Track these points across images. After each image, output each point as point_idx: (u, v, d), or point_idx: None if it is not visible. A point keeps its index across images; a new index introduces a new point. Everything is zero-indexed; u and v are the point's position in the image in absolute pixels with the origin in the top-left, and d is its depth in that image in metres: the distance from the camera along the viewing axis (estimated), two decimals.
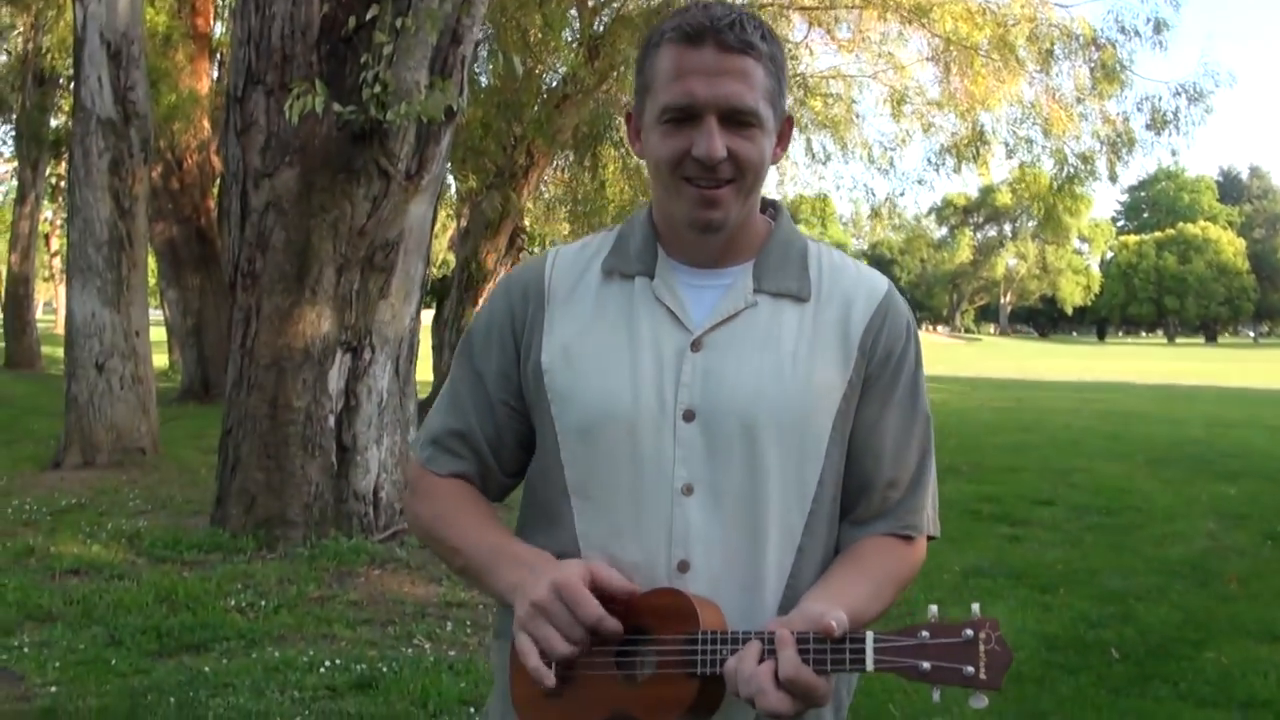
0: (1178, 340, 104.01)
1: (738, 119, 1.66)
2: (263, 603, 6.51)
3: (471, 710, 4.95)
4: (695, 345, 1.72)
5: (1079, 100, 14.68)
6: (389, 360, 8.21)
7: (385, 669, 5.43)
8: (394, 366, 8.27)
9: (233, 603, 6.48)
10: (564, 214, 18.81)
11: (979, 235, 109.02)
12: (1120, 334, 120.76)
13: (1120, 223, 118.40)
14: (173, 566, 7.31)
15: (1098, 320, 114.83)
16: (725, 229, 1.73)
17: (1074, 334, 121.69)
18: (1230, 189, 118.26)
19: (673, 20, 1.70)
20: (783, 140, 1.77)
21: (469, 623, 6.36)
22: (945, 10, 12.85)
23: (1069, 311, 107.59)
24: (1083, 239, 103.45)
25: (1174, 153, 23.58)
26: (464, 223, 18.03)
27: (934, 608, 1.53)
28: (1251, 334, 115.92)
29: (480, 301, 16.40)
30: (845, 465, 1.78)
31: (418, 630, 6.16)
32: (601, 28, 13.86)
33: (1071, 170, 15.16)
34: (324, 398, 7.90)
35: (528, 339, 1.80)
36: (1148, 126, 15.11)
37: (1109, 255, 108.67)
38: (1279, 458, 15.59)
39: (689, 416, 1.70)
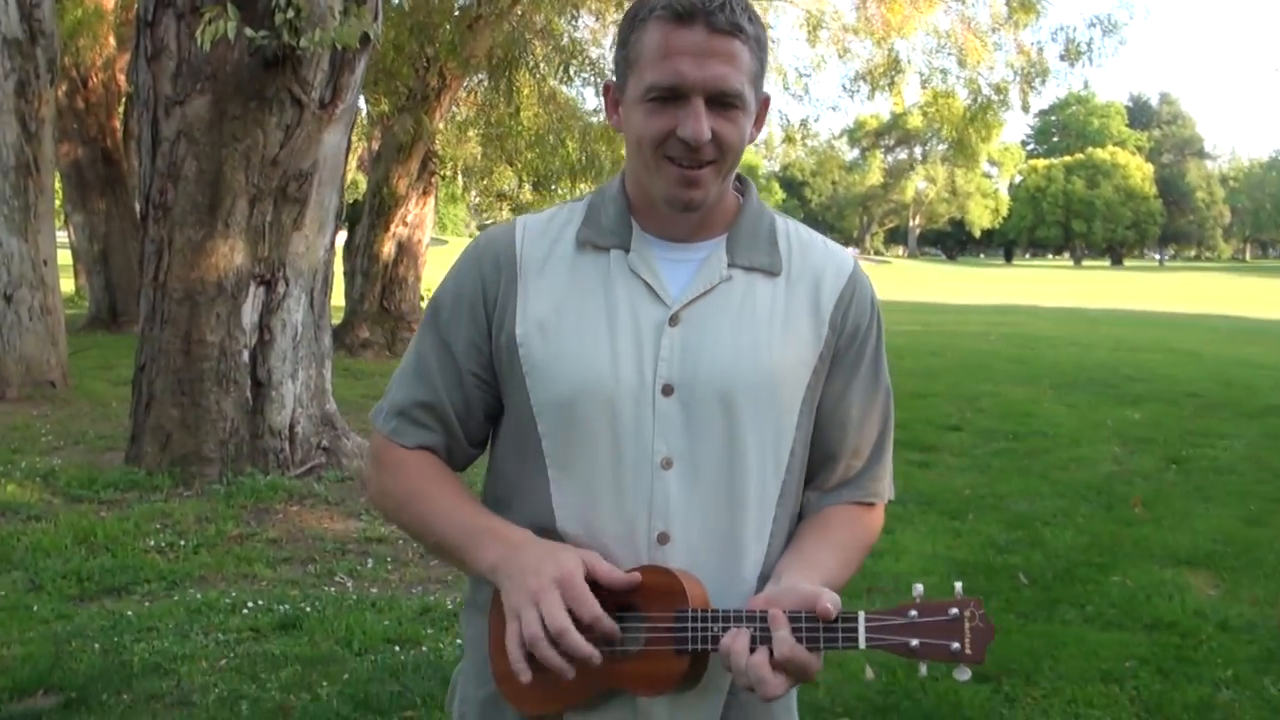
0: (1084, 263, 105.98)
1: (723, 101, 1.67)
2: (182, 543, 6.49)
3: (396, 649, 5.00)
4: (673, 320, 1.74)
5: (994, 30, 14.83)
6: (303, 293, 8.13)
7: (309, 608, 5.46)
8: (308, 299, 8.19)
9: (152, 543, 6.45)
10: (476, 137, 18.58)
11: (889, 158, 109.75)
12: (1027, 256, 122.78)
13: (1030, 146, 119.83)
14: (90, 506, 7.26)
15: (1005, 243, 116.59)
16: (704, 207, 1.75)
17: (982, 256, 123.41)
18: (1140, 115, 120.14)
19: None
20: (759, 120, 1.77)
21: (389, 559, 6.40)
22: None
23: (977, 234, 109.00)
24: (992, 163, 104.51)
25: (1086, 83, 23.91)
26: (375, 146, 17.78)
27: (919, 587, 1.61)
28: (1158, 257, 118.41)
29: (392, 228, 16.24)
30: (812, 436, 1.83)
31: (339, 568, 6.20)
32: None
33: (985, 100, 15.34)
34: (238, 332, 7.81)
35: (500, 310, 1.79)
36: (1061, 57, 15.35)
37: (1018, 179, 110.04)
38: (1183, 381, 16.02)
39: (668, 390, 1.72)
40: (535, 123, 16.12)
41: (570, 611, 1.58)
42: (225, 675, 4.69)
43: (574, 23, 14.85)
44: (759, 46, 1.70)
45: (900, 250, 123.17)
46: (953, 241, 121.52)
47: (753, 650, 1.56)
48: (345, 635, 5.13)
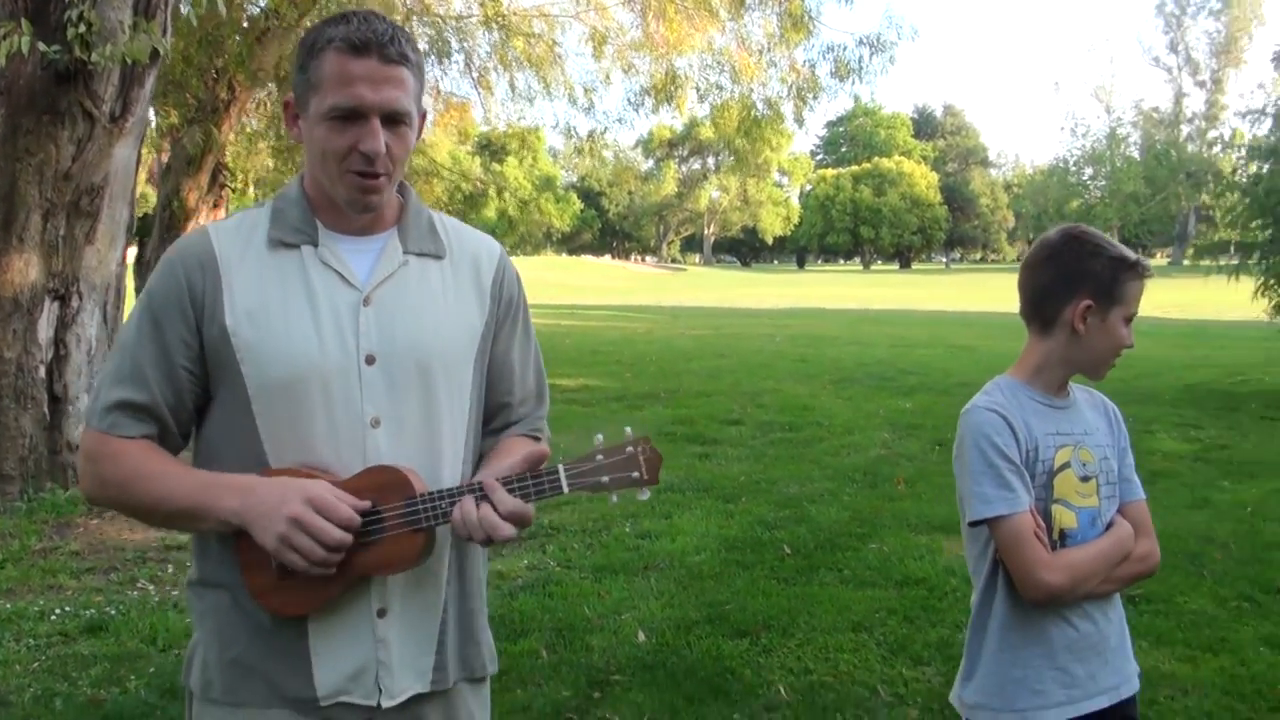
0: (873, 268, 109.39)
1: (395, 119, 1.98)
2: None
3: None
4: (366, 301, 2.03)
5: (768, 48, 15.53)
6: (96, 307, 8.15)
7: (113, 612, 5.69)
8: (102, 313, 8.21)
9: None
10: (267, 149, 18.40)
11: (684, 168, 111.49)
12: (819, 262, 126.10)
13: (819, 157, 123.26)
14: None
15: (797, 250, 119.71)
16: (379, 208, 2.08)
17: (775, 263, 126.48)
18: (925, 126, 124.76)
19: (337, 29, 1.95)
20: (419, 130, 2.09)
21: (188, 564, 6.56)
22: None
23: (770, 241, 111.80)
24: (783, 172, 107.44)
25: (856, 99, 24.96)
26: (164, 158, 17.47)
27: (600, 436, 2.04)
28: (944, 260, 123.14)
29: None
30: (485, 389, 2.22)
31: (140, 574, 6.40)
32: None
33: (759, 115, 16.04)
34: (34, 347, 7.81)
35: (210, 306, 1.99)
36: (832, 74, 16.17)
37: (808, 188, 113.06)
38: (953, 373, 17.11)
39: (370, 360, 2.01)
40: None
41: (327, 519, 1.88)
42: (38, 676, 4.91)
43: None
44: (419, 72, 2.03)
45: (696, 258, 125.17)
46: (746, 249, 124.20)
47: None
48: (150, 634, 5.39)
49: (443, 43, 14.85)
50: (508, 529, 1.96)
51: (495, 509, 1.95)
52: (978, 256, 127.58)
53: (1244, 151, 18.45)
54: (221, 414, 2.04)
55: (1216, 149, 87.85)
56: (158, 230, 15.71)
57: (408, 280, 2.10)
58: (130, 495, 2.01)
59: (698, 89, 16.72)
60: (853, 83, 16.31)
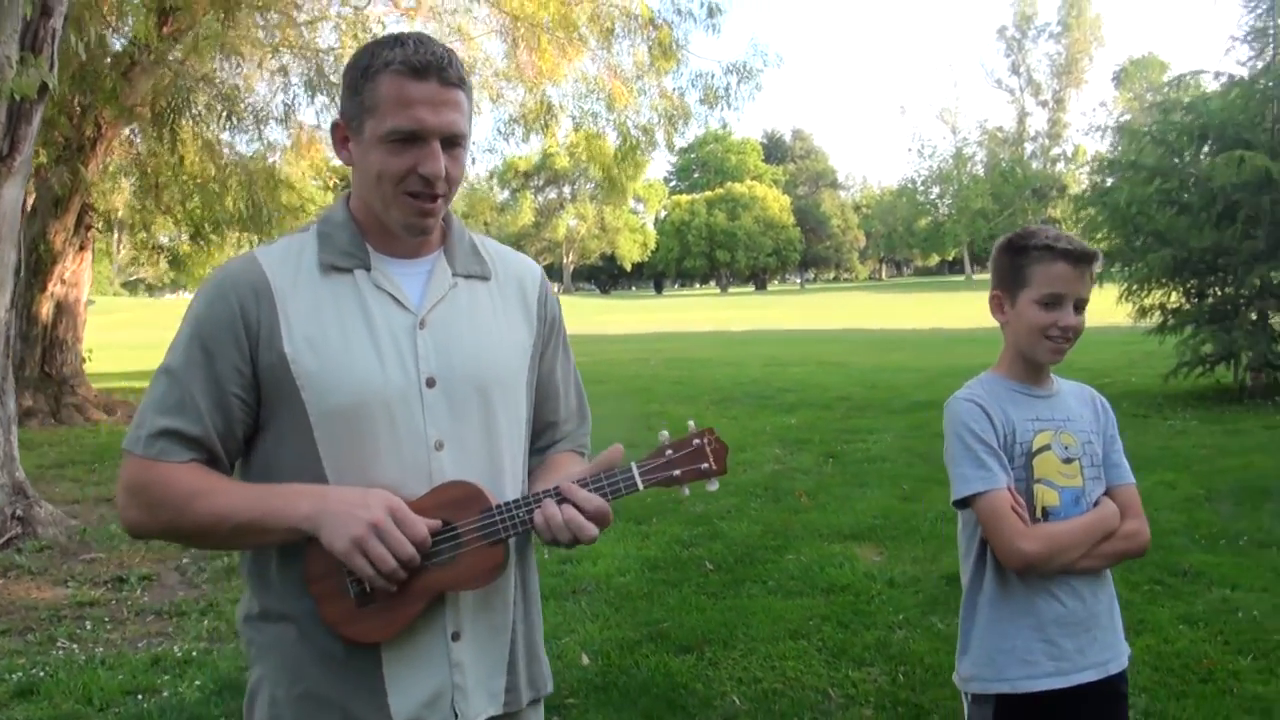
0: (730, 290, 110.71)
1: (453, 141, 1.98)
2: None
3: (139, 698, 5.10)
4: (422, 324, 2.02)
5: (639, 76, 15.74)
6: None
7: (41, 674, 5.47)
8: None
9: None
10: (130, 187, 17.84)
11: (540, 198, 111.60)
12: (677, 287, 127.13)
13: (673, 183, 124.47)
14: None
15: (655, 275, 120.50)
16: (433, 231, 2.08)
17: (634, 289, 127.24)
18: (775, 150, 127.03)
19: (394, 51, 1.94)
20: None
21: (107, 620, 6.39)
22: None
23: (628, 268, 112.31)
24: (638, 199, 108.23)
25: (725, 125, 25.37)
26: (30, 200, 16.88)
27: (665, 433, 2.09)
28: (798, 281, 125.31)
29: (50, 287, 15.04)
30: (535, 407, 2.24)
31: (59, 633, 6.15)
32: None
33: (634, 140, 16.24)
34: None
35: (266, 334, 1.95)
36: (701, 101, 16.46)
37: (663, 214, 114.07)
38: (832, 388, 17.44)
39: (431, 383, 2.00)
40: (194, 171, 15.71)
41: (404, 533, 1.87)
42: None
43: (238, 70, 14.59)
44: (470, 95, 2.04)
45: (556, 287, 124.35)
46: (605, 276, 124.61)
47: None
48: (84, 694, 5.19)
49: (321, 77, 14.63)
50: (592, 528, 1.99)
51: (580, 508, 1.98)
52: (831, 276, 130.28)
53: (1090, 165, 19.24)
54: (277, 441, 2.00)
55: (1060, 165, 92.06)
56: (24, 274, 15.15)
57: (459, 302, 2.10)
58: (189, 515, 1.93)
59: (573, 117, 16.88)
60: (721, 109, 16.62)
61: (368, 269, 2.04)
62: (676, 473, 2.06)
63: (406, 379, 1.99)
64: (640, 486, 2.04)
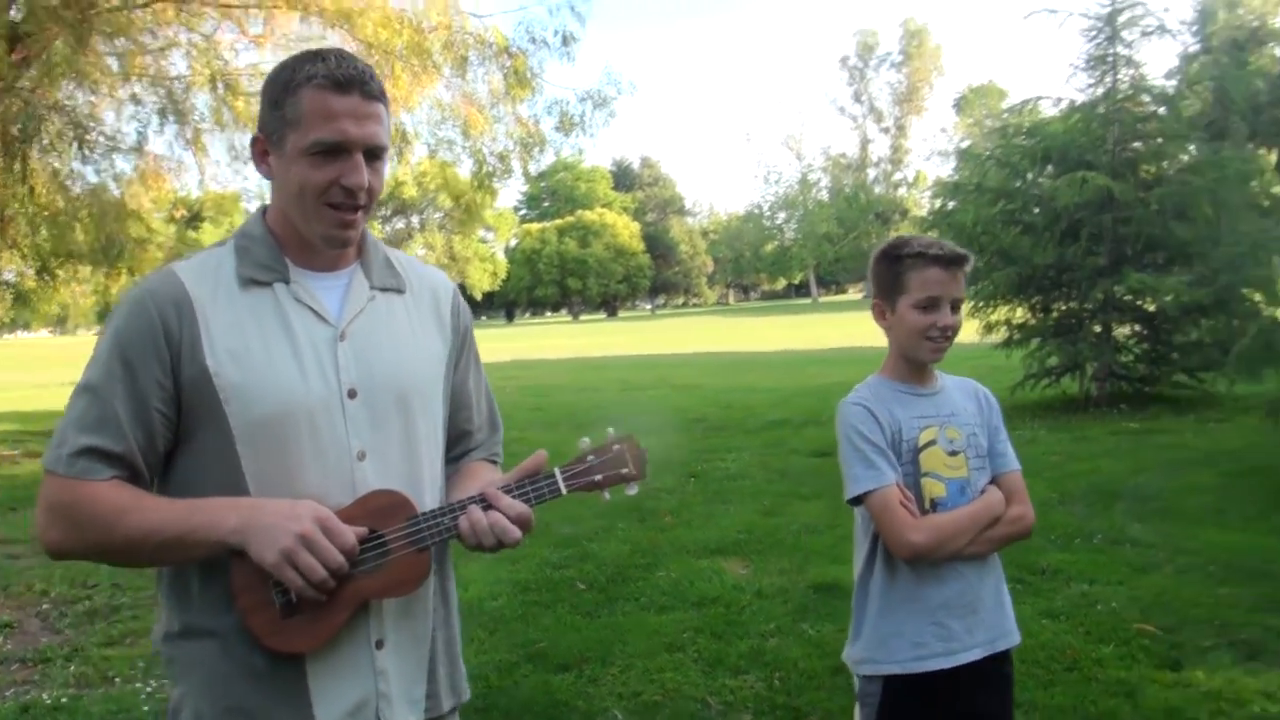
0: (582, 318, 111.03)
1: (375, 154, 2.02)
2: None
3: None
4: (342, 336, 2.05)
5: (494, 104, 15.74)
6: None
7: None
8: None
9: None
10: None
11: (388, 228, 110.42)
12: (528, 315, 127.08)
13: (523, 211, 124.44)
14: None
15: (506, 304, 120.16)
16: (353, 243, 2.11)
17: (484, 318, 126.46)
18: (624, 178, 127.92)
19: (315, 66, 1.97)
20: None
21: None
22: (367, 16, 13.32)
23: (479, 297, 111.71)
24: (488, 228, 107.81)
25: (580, 151, 25.49)
26: None
27: (586, 440, 2.16)
28: (649, 307, 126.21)
29: None
30: (449, 417, 2.28)
31: None
32: (19, 16, 12.78)
33: (490, 168, 16.25)
34: None
35: (187, 347, 1.95)
36: (557, 128, 16.54)
37: (514, 242, 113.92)
38: (689, 410, 17.62)
39: (352, 394, 2.03)
40: (43, 202, 15.10)
41: (333, 543, 1.89)
42: None
43: (89, 98, 14.13)
44: (389, 110, 2.07)
45: None
46: None
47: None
48: None
49: (172, 104, 14.32)
50: (517, 531, 2.04)
51: (504, 514, 2.03)
52: (681, 301, 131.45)
53: (932, 189, 19.87)
54: (198, 455, 2.00)
55: (902, 190, 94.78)
56: None
57: (377, 314, 2.14)
58: (115, 532, 1.91)
59: (428, 144, 16.81)
60: (576, 136, 16.72)
61: (287, 282, 2.06)
62: (598, 478, 2.14)
63: (328, 390, 2.02)
64: (564, 491, 2.11)
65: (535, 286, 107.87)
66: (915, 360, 2.81)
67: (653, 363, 33.38)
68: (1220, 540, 7.58)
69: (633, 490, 2.18)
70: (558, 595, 6.96)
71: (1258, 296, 14.40)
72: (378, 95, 2.02)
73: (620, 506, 9.78)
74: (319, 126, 1.96)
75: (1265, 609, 6.00)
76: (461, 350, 2.31)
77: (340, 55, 2.01)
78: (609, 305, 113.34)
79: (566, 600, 6.83)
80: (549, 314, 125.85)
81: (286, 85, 2.00)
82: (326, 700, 2.00)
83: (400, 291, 2.20)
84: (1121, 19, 15.34)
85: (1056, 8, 21.50)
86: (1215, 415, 13.86)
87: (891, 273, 2.80)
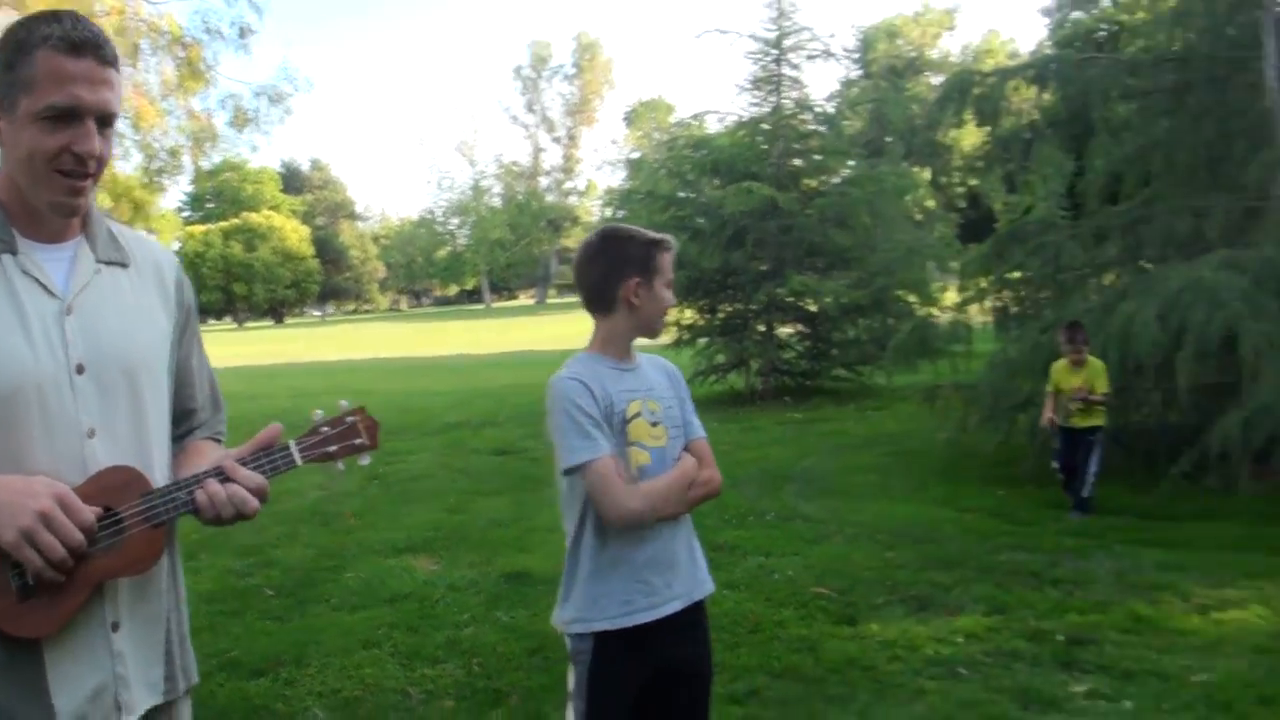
0: (248, 325, 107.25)
1: (107, 121, 1.97)
2: None
3: None
4: (68, 310, 1.99)
5: (166, 95, 15.12)
6: None
7: None
8: None
9: None
10: None
11: None
12: None
13: (186, 213, 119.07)
14: None
15: None
16: (81, 212, 2.05)
17: None
18: (293, 180, 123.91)
19: (50, 27, 1.91)
20: None
21: None
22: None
23: None
24: (151, 230, 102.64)
25: (254, 148, 24.75)
26: None
27: (319, 411, 2.19)
28: (318, 313, 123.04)
29: None
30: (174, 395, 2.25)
31: None
32: None
33: (161, 164, 15.63)
34: None
35: None
36: (230, 123, 16.08)
37: (176, 245, 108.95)
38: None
39: (80, 370, 1.97)
40: None
41: (72, 521, 1.85)
42: None
43: None
44: (120, 76, 2.02)
45: None
46: None
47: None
48: None
49: None
50: (255, 501, 2.06)
51: (243, 485, 2.04)
52: (352, 308, 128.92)
53: (603, 198, 20.51)
54: None
55: (573, 198, 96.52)
56: None
57: (103, 288, 2.08)
58: None
59: None
60: (250, 132, 16.33)
61: (14, 253, 1.99)
62: (333, 449, 2.18)
63: (57, 365, 1.96)
64: (299, 462, 2.14)
65: (200, 292, 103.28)
66: (644, 335, 3.02)
67: (326, 369, 32.75)
68: (886, 511, 8.29)
69: (365, 460, 2.24)
70: (245, 603, 6.81)
71: (912, 298, 15.74)
72: (111, 60, 1.98)
73: (302, 511, 9.68)
74: (52, 90, 1.91)
75: (931, 567, 6.66)
76: (185, 326, 2.26)
77: (76, 17, 1.96)
78: (276, 312, 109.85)
79: (255, 607, 6.70)
80: (212, 321, 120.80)
81: (20, 45, 1.94)
82: (65, 687, 1.94)
83: (124, 265, 2.15)
84: (788, 42, 16.41)
85: (727, 29, 22.62)
86: (873, 404, 14.98)
87: (650, 255, 2.97)
